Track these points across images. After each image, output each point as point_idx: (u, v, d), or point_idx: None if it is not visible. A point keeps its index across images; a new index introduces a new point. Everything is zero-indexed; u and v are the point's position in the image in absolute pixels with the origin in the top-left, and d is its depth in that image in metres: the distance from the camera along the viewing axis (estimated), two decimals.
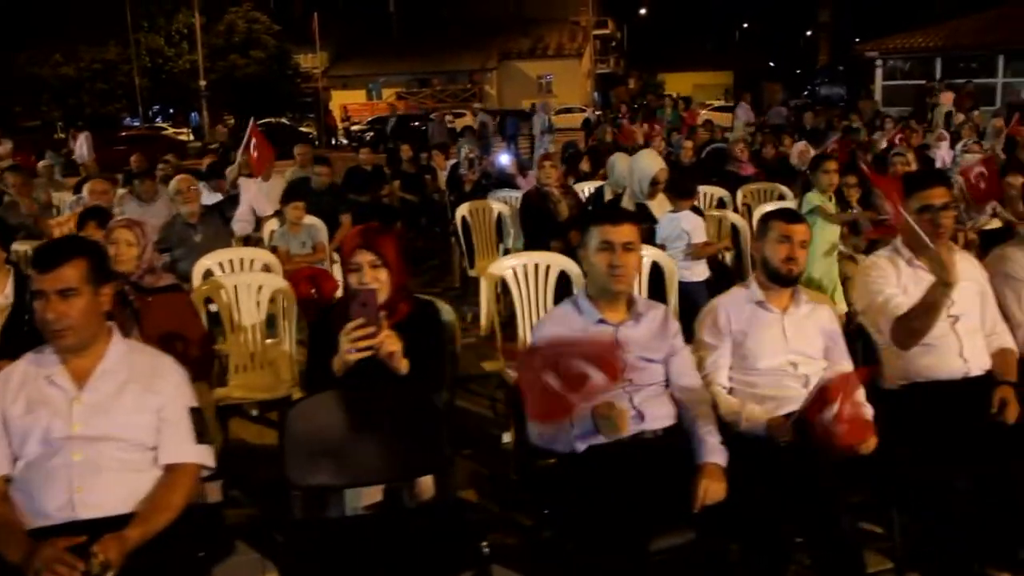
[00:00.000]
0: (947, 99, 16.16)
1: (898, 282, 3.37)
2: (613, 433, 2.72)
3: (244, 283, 4.81)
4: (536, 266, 4.68)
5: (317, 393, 3.01)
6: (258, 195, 7.97)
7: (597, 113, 32.01)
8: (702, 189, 7.37)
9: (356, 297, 2.88)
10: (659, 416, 2.94)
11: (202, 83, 33.30)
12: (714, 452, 2.84)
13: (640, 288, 4.75)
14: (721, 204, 7.47)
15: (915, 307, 3.17)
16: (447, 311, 3.62)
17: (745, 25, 64.85)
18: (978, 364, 3.34)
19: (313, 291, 6.42)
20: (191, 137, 37.73)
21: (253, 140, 7.67)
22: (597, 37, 51.00)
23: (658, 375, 3.02)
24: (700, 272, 5.54)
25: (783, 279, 3.26)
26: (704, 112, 32.32)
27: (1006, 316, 3.53)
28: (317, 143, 33.61)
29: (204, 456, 2.76)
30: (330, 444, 2.93)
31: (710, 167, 9.01)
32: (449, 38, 47.13)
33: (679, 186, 5.70)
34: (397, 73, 47.07)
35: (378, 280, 3.07)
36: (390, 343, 2.86)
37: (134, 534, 2.46)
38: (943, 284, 3.01)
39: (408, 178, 11.38)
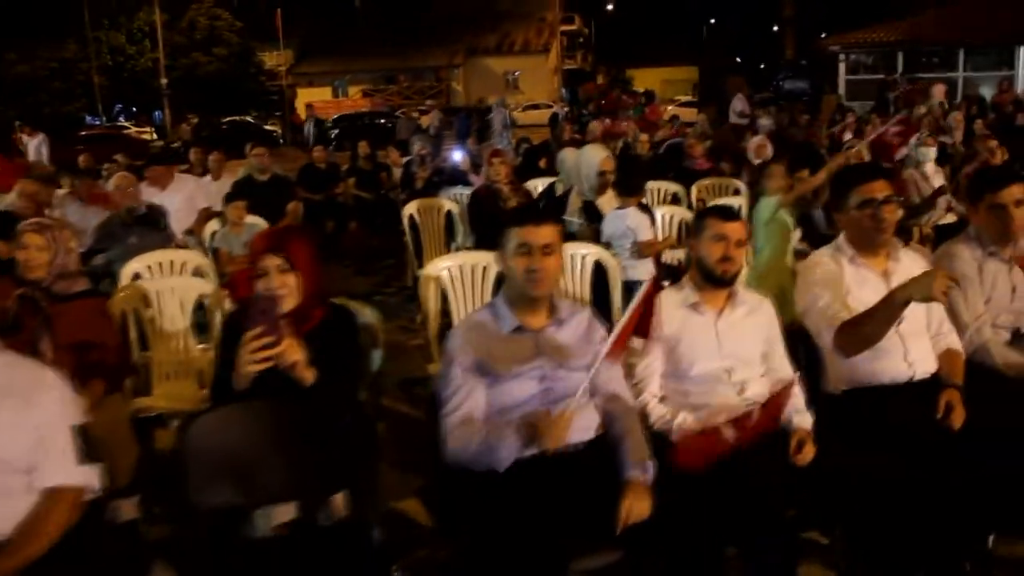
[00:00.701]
0: (939, 92, 15.88)
1: (841, 282, 3.21)
2: (545, 443, 2.54)
3: (168, 287, 4.59)
4: (472, 267, 4.50)
5: (221, 406, 2.82)
6: (195, 191, 7.77)
7: (565, 109, 31.98)
8: (655, 185, 7.24)
9: (255, 304, 2.69)
10: (582, 428, 2.76)
11: (163, 81, 32.80)
12: (638, 467, 2.67)
13: (582, 287, 4.59)
14: (675, 200, 7.32)
15: (869, 313, 2.99)
16: (368, 314, 3.44)
17: (713, 21, 64.97)
18: (923, 367, 3.19)
19: None
20: (155, 136, 37.19)
21: None
22: (564, 33, 50.84)
23: (583, 383, 2.84)
24: (646, 271, 5.38)
25: (718, 280, 3.09)
26: (671, 108, 32.38)
27: (952, 316, 3.38)
28: (282, 141, 33.21)
29: (87, 477, 2.54)
30: (235, 461, 2.73)
31: (668, 163, 8.88)
32: (416, 35, 46.79)
33: (625, 182, 5.53)
34: (363, 70, 46.68)
35: (287, 285, 2.89)
36: (291, 352, 2.68)
37: (1, 566, 2.25)
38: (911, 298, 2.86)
39: (364, 175, 11.18)
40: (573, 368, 2.78)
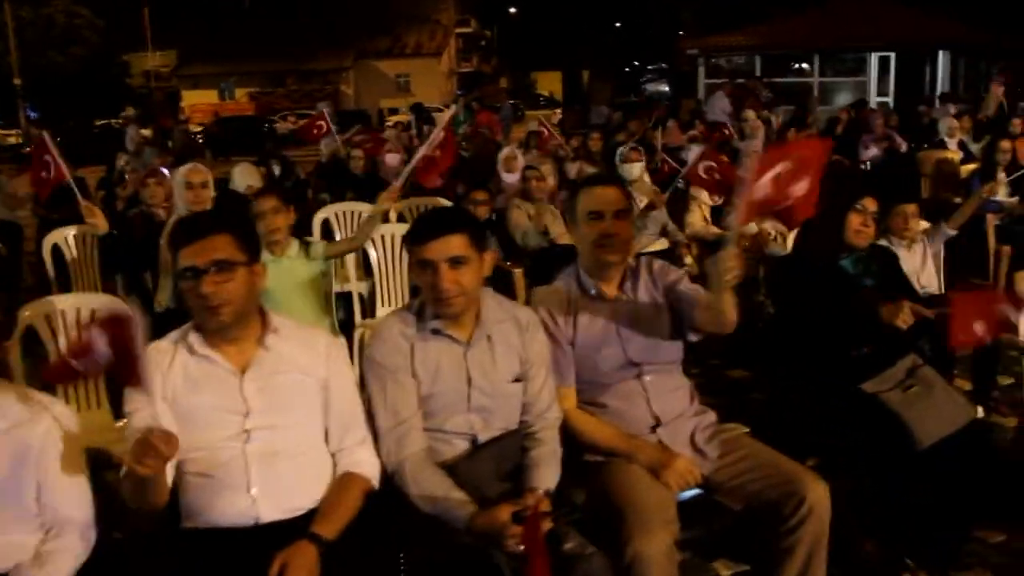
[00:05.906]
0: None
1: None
2: None
3: None
4: None
5: None
6: None
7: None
8: (342, 208, 6.28)
9: None
10: None
11: (16, 81, 30.74)
12: None
13: None
14: None
15: None
16: None
17: (618, 24, 64.42)
18: (279, 504, 2.20)
19: None
20: (20, 139, 34.96)
21: None
22: (460, 36, 49.89)
23: None
24: None
25: None
26: (559, 112, 31.75)
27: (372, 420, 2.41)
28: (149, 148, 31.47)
29: None
30: None
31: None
32: (305, 36, 45.10)
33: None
34: (251, 72, 44.83)
35: None
36: None
37: None
38: None
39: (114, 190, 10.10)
40: None
